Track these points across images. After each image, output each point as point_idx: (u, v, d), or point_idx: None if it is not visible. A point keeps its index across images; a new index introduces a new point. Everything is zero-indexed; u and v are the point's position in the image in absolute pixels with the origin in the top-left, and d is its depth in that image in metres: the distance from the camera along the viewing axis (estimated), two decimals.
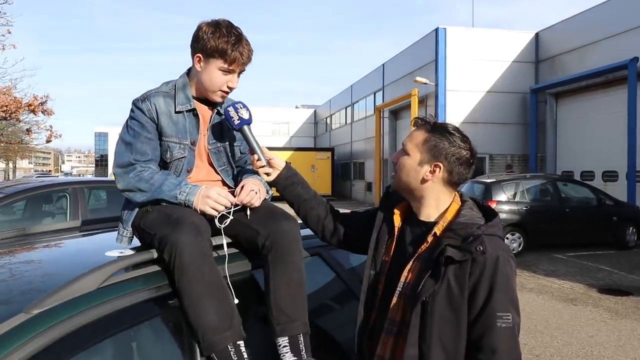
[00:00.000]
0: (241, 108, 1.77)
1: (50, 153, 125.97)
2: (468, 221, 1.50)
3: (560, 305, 6.95)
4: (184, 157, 1.81)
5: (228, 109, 1.77)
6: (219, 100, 1.84)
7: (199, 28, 1.76)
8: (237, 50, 1.72)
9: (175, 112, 1.80)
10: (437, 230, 1.51)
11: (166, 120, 1.78)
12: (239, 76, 1.82)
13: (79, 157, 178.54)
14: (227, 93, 1.82)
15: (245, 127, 1.77)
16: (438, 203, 1.57)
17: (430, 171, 1.54)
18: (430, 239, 1.51)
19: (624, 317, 6.35)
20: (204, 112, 1.87)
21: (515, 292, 1.45)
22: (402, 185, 1.60)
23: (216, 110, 1.89)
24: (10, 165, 45.49)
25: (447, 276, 1.41)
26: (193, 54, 1.78)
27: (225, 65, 1.74)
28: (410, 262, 1.51)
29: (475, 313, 1.40)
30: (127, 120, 1.80)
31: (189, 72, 1.86)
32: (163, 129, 1.78)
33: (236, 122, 1.76)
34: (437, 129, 1.56)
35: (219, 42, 1.71)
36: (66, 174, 75.02)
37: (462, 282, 1.41)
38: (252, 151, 1.79)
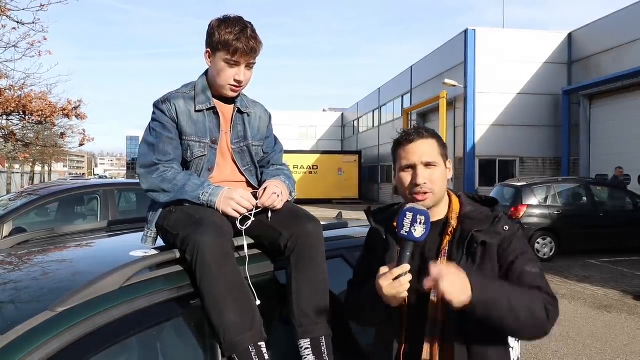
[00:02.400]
0: (420, 224, 1.40)
1: (84, 157, 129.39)
2: (476, 208, 1.58)
3: (593, 312, 6.75)
4: (204, 155, 1.82)
5: (407, 211, 1.43)
6: (232, 94, 1.83)
7: (209, 24, 1.78)
8: (239, 41, 1.71)
9: (195, 111, 1.81)
10: (454, 222, 1.55)
11: (186, 120, 1.79)
12: (248, 69, 1.80)
13: (111, 160, 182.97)
14: (237, 87, 1.81)
15: (409, 243, 1.42)
16: (445, 199, 1.62)
17: (448, 169, 1.61)
18: (450, 231, 1.54)
19: None
20: (225, 109, 1.88)
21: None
22: (439, 198, 1.57)
23: (237, 108, 1.89)
24: (46, 168, 46.81)
25: (477, 260, 1.48)
26: (205, 50, 1.80)
27: (229, 57, 1.74)
28: (440, 259, 1.52)
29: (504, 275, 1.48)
30: (149, 123, 1.82)
31: (207, 73, 1.87)
32: (183, 129, 1.79)
33: (404, 231, 1.42)
34: (432, 132, 1.61)
35: (223, 34, 1.72)
36: (101, 177, 76.79)
37: (493, 261, 1.48)
38: (399, 262, 1.42)
